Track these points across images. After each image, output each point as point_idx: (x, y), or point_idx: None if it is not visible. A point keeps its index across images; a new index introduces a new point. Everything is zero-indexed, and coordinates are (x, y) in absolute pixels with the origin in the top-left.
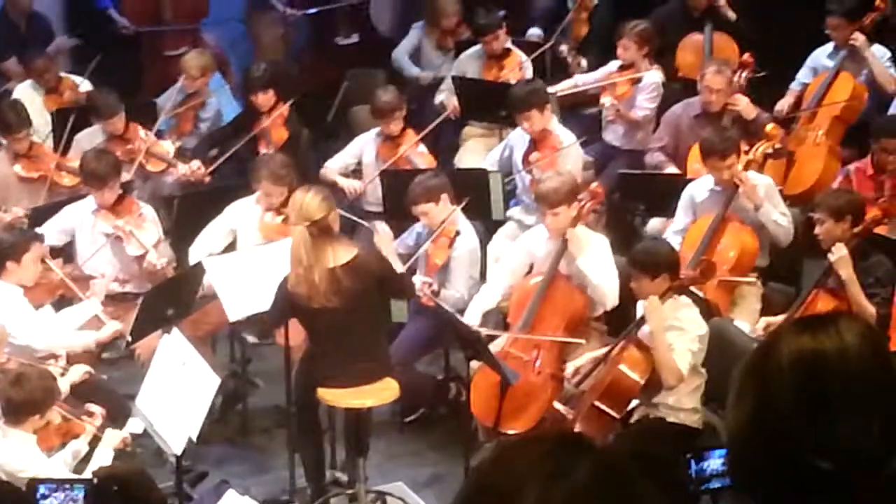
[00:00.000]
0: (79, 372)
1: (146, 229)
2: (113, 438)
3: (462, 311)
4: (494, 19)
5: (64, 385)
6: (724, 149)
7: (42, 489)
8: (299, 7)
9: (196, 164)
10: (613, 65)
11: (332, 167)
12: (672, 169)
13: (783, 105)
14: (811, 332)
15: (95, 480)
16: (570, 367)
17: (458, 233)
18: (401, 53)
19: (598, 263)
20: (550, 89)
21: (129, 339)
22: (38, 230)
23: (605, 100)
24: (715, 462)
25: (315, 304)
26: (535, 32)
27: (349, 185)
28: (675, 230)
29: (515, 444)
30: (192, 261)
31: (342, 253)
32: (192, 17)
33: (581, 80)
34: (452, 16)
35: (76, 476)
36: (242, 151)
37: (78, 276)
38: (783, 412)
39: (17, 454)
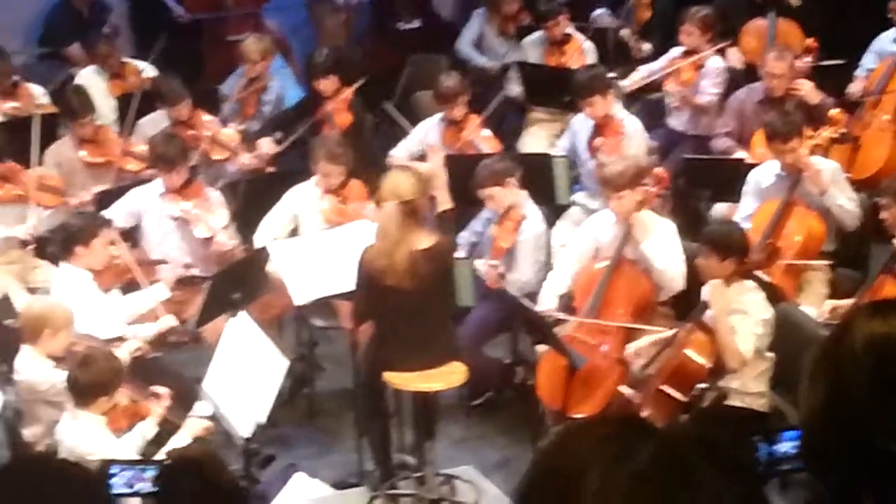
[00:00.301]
0: (134, 345)
1: (214, 212)
2: (195, 426)
3: (528, 295)
4: (555, 5)
5: (122, 354)
6: (787, 132)
7: (114, 468)
8: None
9: (266, 143)
10: (676, 51)
11: (398, 155)
12: (741, 153)
13: (853, 89)
14: (882, 316)
15: (168, 462)
16: (630, 348)
17: (524, 217)
18: (464, 44)
19: (663, 248)
20: (622, 83)
21: (197, 322)
22: (105, 213)
23: (670, 86)
24: (786, 445)
25: (388, 282)
26: (601, 12)
27: (423, 166)
28: (742, 216)
29: (579, 428)
30: (258, 243)
31: (425, 238)
32: (254, 2)
33: (647, 70)
34: (512, 1)
35: (147, 458)
36: (307, 137)
37: (145, 259)
38: (856, 397)
39: (87, 436)
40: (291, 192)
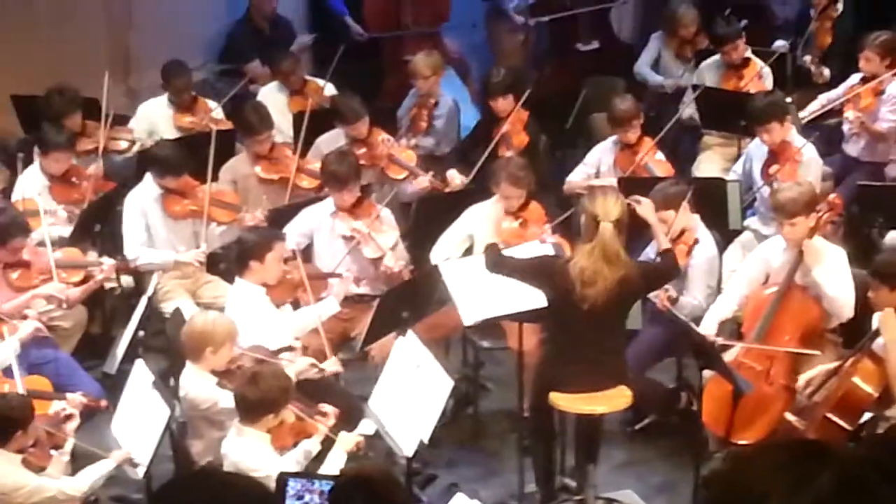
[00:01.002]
0: (305, 363)
1: (384, 232)
2: (347, 442)
3: (698, 319)
4: (734, 29)
5: (290, 372)
6: None
7: (291, 482)
8: (537, 14)
9: (455, 175)
10: (855, 77)
11: (574, 179)
12: None
13: None
14: None
15: (342, 478)
16: (802, 379)
17: (696, 241)
18: (642, 65)
19: (834, 275)
20: (801, 114)
21: (364, 340)
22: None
23: (849, 113)
24: None
25: (583, 301)
26: (780, 44)
27: (603, 182)
28: None
29: (756, 453)
30: (435, 261)
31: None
32: (433, 22)
33: (826, 99)
34: (691, 25)
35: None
36: (481, 156)
37: (317, 273)
38: None
39: (252, 453)
40: (470, 211)
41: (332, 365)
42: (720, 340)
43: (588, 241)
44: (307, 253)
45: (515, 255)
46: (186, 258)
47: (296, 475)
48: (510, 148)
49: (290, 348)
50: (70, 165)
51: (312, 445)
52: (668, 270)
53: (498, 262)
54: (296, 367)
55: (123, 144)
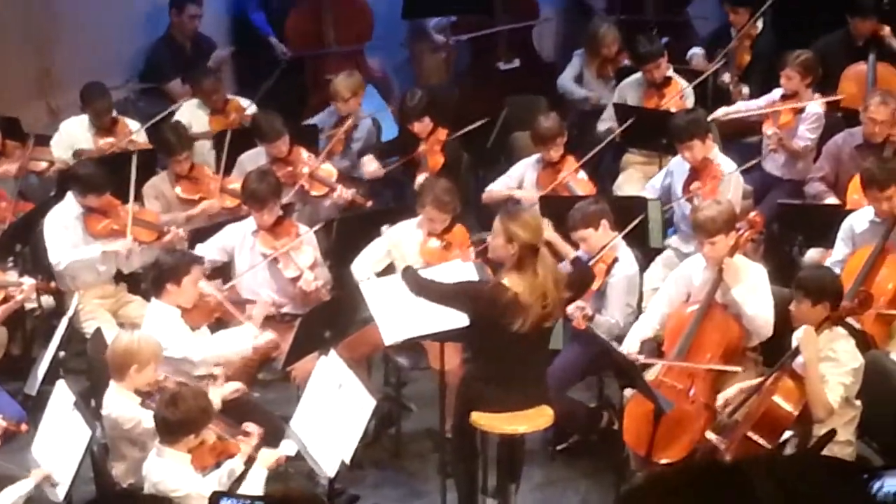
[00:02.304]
0: (231, 388)
1: (303, 251)
2: (268, 458)
3: (617, 338)
4: (655, 48)
5: (215, 397)
6: (884, 180)
7: (224, 501)
8: (459, 33)
9: (371, 162)
10: (776, 93)
11: (495, 189)
12: (832, 199)
13: None
14: None
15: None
16: (720, 398)
17: (616, 259)
18: (565, 79)
19: (754, 294)
20: (716, 113)
21: (285, 360)
22: (199, 247)
23: (768, 129)
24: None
25: (519, 324)
26: (696, 52)
27: (525, 195)
28: (834, 261)
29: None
30: (356, 276)
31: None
32: (355, 41)
33: (745, 106)
34: (612, 44)
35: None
36: (399, 175)
37: (236, 299)
38: None
39: (172, 474)
40: (393, 229)
41: (264, 337)
42: (641, 359)
43: (530, 269)
44: (226, 270)
45: (438, 279)
46: (114, 247)
47: (227, 495)
48: (425, 169)
49: (211, 376)
50: None
51: (236, 465)
52: (585, 275)
53: (423, 286)
54: (221, 391)
55: (43, 164)
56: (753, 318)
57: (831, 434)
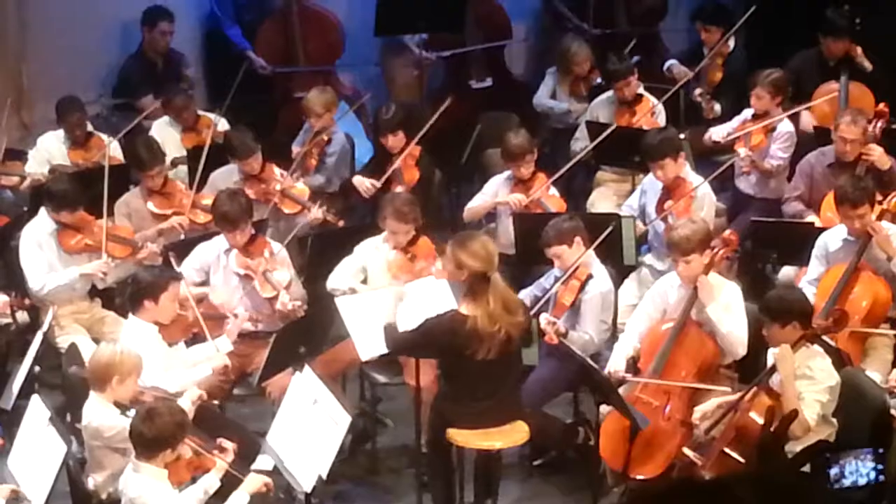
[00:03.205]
0: (195, 394)
1: (278, 270)
2: (253, 483)
3: (591, 355)
4: (626, 66)
5: (185, 404)
6: (857, 198)
7: None
8: (434, 50)
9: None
10: (747, 113)
11: (475, 206)
12: (812, 217)
13: None
14: None
15: None
16: (697, 412)
17: (590, 276)
18: (541, 97)
19: (728, 312)
20: (713, 132)
21: (260, 376)
22: (176, 269)
23: (741, 150)
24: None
25: (480, 348)
26: (673, 62)
27: (513, 199)
28: (809, 279)
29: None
30: (332, 290)
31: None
32: (326, 58)
33: (717, 134)
34: (584, 62)
35: None
36: (375, 192)
37: (212, 314)
38: None
39: (148, 490)
40: (361, 246)
41: (219, 360)
42: (629, 377)
43: (482, 296)
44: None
45: (405, 331)
46: (90, 269)
47: None
48: (401, 184)
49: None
50: None
51: (212, 480)
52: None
53: (395, 341)
54: (190, 394)
55: (14, 179)
56: (726, 337)
57: (815, 446)
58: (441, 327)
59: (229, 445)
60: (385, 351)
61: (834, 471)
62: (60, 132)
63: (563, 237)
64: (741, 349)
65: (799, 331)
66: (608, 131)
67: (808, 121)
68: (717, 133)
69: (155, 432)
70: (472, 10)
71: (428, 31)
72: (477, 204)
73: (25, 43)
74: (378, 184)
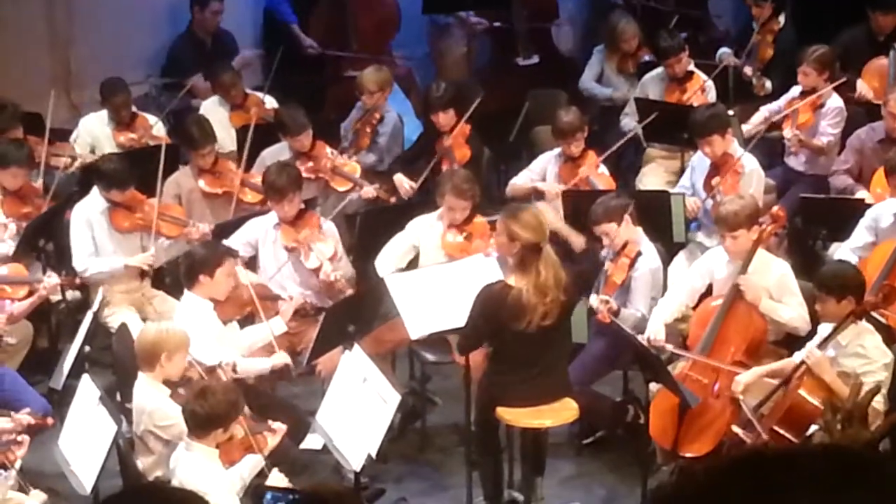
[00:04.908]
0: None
1: (325, 242)
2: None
3: (643, 329)
4: (677, 42)
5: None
6: None
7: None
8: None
9: (404, 180)
10: (795, 90)
11: (518, 183)
12: (862, 192)
13: None
14: None
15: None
16: (739, 385)
17: (639, 253)
18: (587, 80)
19: (782, 294)
20: (745, 127)
21: (310, 355)
22: (225, 242)
23: (786, 132)
24: None
25: (524, 321)
26: (725, 51)
27: (547, 187)
28: (853, 247)
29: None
30: (379, 272)
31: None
32: (380, 40)
33: (767, 111)
34: (632, 39)
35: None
36: (424, 169)
37: (266, 293)
38: None
39: (199, 471)
40: (415, 223)
41: (281, 357)
42: (670, 348)
43: (533, 268)
44: (252, 265)
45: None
46: (136, 262)
47: (272, 489)
48: (453, 162)
49: (234, 367)
50: (25, 181)
51: (258, 462)
52: (585, 275)
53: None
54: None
55: (64, 160)
56: (788, 323)
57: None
58: (489, 297)
59: (279, 427)
60: (434, 330)
61: None
62: (103, 113)
63: (612, 215)
64: (805, 326)
65: (853, 305)
66: (653, 112)
67: (864, 89)
68: (750, 125)
69: (208, 410)
70: None
71: (474, 9)
72: (521, 182)
73: (73, 25)
74: (416, 185)
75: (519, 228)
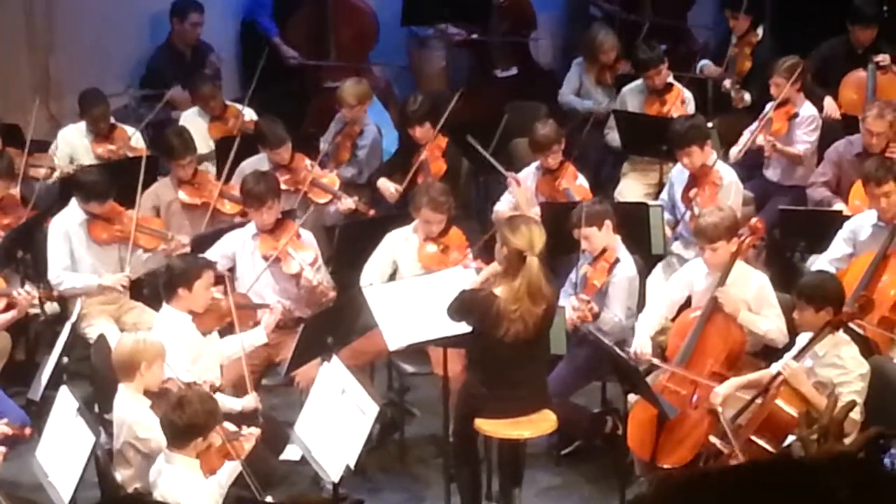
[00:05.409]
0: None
1: (304, 249)
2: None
3: (619, 338)
4: (656, 54)
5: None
6: (881, 176)
7: None
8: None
9: (389, 185)
10: (771, 104)
11: (502, 209)
12: (839, 204)
13: None
14: None
15: None
16: (717, 397)
17: (617, 260)
18: (566, 94)
19: (760, 307)
20: (732, 151)
21: (288, 366)
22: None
23: (760, 138)
24: None
25: (509, 333)
26: (705, 63)
27: (521, 198)
28: (830, 259)
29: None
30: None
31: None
32: (358, 52)
33: (748, 133)
34: (610, 51)
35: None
36: (404, 179)
37: (246, 304)
38: None
39: (181, 482)
40: (390, 237)
41: (250, 401)
42: (648, 360)
43: (513, 275)
44: (231, 277)
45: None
46: (110, 282)
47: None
48: (428, 175)
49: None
50: (5, 192)
51: (234, 467)
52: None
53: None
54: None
55: (43, 171)
56: (766, 335)
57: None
58: (475, 300)
59: (254, 431)
60: (413, 341)
61: (887, 460)
62: (82, 125)
63: (593, 219)
64: (783, 338)
65: (830, 316)
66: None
67: (832, 108)
68: (735, 150)
69: (187, 420)
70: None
71: (453, 21)
72: (503, 208)
73: (53, 35)
74: (401, 188)
75: (509, 233)
